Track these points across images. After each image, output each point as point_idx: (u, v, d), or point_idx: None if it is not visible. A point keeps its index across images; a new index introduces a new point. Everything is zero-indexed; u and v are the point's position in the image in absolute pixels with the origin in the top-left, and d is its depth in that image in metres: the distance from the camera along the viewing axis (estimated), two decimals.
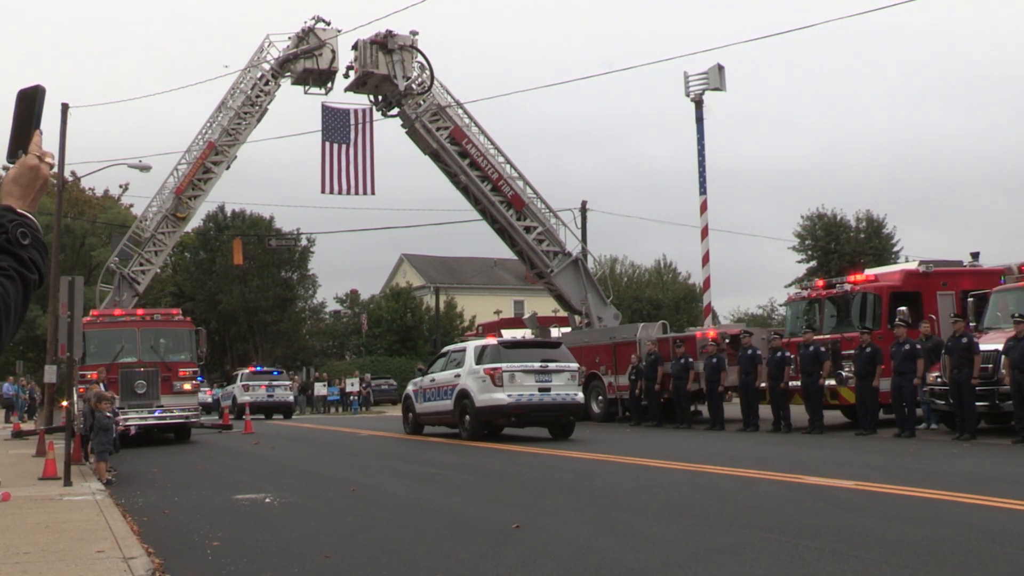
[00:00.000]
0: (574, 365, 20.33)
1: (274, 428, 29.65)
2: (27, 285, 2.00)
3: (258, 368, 39.79)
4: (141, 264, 28.14)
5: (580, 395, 20.17)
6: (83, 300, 15.04)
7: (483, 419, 19.43)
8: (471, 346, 20.70)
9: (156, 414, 21.90)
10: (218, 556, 7.72)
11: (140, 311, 24.26)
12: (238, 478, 14.20)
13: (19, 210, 2.07)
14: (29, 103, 2.18)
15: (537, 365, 19.54)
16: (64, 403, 16.42)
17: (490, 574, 6.68)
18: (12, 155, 2.16)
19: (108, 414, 14.51)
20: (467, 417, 19.69)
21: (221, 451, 20.28)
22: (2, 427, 31.62)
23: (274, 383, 37.52)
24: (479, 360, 19.64)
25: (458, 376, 20.11)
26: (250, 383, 36.87)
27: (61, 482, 12.85)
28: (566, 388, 19.56)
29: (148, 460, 17.54)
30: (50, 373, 20.39)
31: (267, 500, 11.26)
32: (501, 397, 19.03)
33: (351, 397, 44.48)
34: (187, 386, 22.59)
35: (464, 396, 19.71)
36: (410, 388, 22.98)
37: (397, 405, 47.40)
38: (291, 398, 37.77)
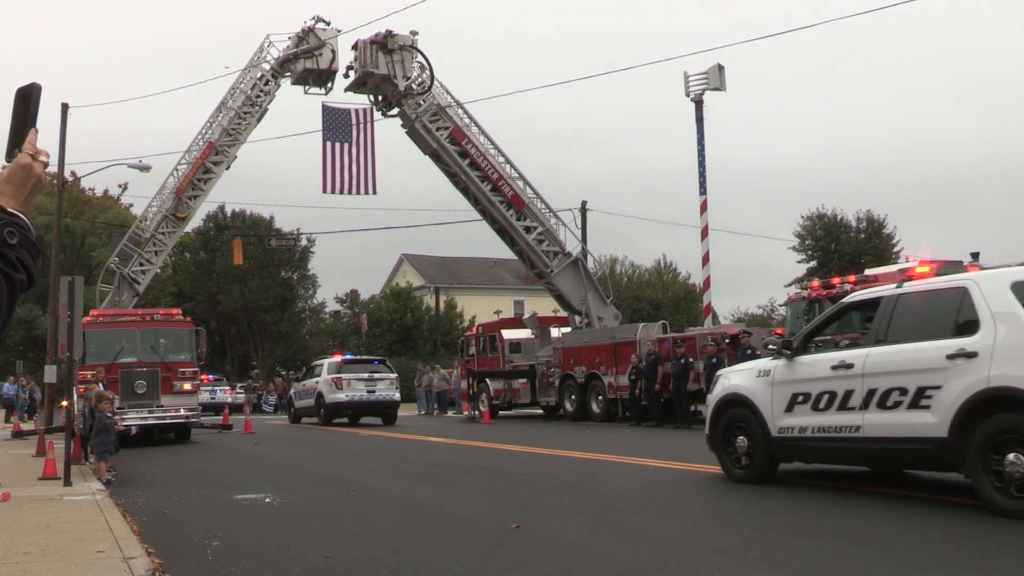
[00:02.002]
0: (393, 375, 29.32)
1: (274, 428, 29.65)
2: (13, 285, 1.98)
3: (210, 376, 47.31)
4: (141, 264, 28.15)
5: (397, 395, 28.95)
6: (83, 300, 15.04)
7: (331, 411, 28.46)
8: (326, 362, 29.88)
9: (156, 414, 21.91)
10: (218, 556, 7.72)
11: (140, 311, 24.27)
12: (238, 478, 14.20)
13: (9, 209, 2.05)
14: (24, 102, 2.17)
15: (366, 375, 28.42)
16: (64, 403, 16.43)
17: (490, 574, 6.68)
18: (9, 154, 2.15)
19: (109, 414, 14.51)
20: (322, 410, 28.67)
21: (221, 451, 20.28)
22: (2, 427, 31.63)
23: (215, 387, 44.76)
24: (329, 372, 28.68)
25: (317, 382, 29.31)
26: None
27: (61, 482, 12.84)
28: (387, 391, 28.40)
29: (148, 460, 17.54)
30: (50, 373, 20.41)
31: (267, 500, 11.26)
32: (341, 396, 28.21)
33: None
34: (187, 386, 22.61)
35: (320, 396, 28.88)
36: (292, 391, 33.49)
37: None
38: (229, 399, 44.17)
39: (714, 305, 35.16)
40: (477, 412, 29.71)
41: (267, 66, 28.83)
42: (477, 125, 29.34)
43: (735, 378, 11.48)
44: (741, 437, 10.90)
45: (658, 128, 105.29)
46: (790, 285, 47.85)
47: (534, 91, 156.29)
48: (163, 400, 22.00)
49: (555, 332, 30.37)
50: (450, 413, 35.98)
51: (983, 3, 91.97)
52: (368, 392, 27.98)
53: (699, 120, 32.13)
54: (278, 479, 13.77)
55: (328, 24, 28.92)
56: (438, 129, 28.59)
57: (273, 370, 59.74)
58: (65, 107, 26.17)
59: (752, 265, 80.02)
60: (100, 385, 18.27)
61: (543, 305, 45.43)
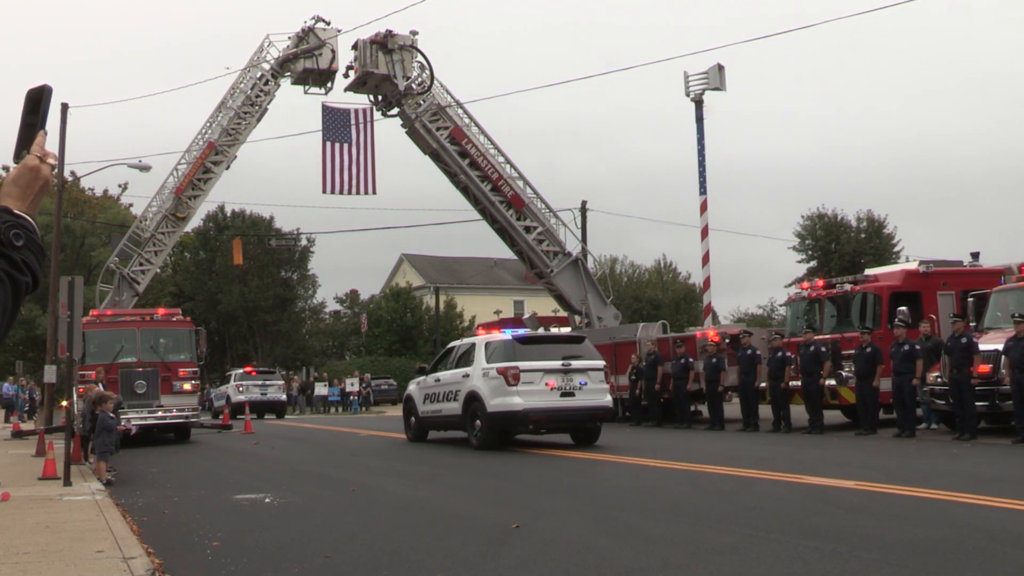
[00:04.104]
0: (280, 382, 40.49)
1: (274, 428, 29.65)
2: (18, 288, 1.97)
3: None
4: (141, 264, 28.13)
5: (283, 396, 39.87)
6: (83, 300, 15.03)
7: (235, 408, 35.16)
8: (234, 373, 40.67)
9: (156, 414, 21.89)
10: (218, 556, 7.72)
11: (139, 311, 24.26)
12: (238, 478, 14.19)
13: (16, 211, 2.04)
14: (34, 103, 2.16)
15: (260, 382, 38.72)
16: (64, 403, 16.42)
17: (490, 574, 6.68)
18: (17, 156, 2.14)
19: (111, 414, 14.50)
20: (229, 407, 35.86)
21: (221, 451, 20.28)
22: (2, 427, 31.62)
23: None
24: (234, 380, 39.12)
25: (227, 387, 39.63)
26: None
27: (61, 482, 12.84)
28: (276, 393, 38.98)
29: (148, 460, 17.54)
30: (50, 373, 20.38)
31: (267, 500, 11.26)
32: (242, 397, 36.85)
33: (351, 397, 44.55)
34: (187, 386, 22.59)
35: (228, 397, 38.12)
36: (212, 394, 43.49)
37: (397, 405, 47.62)
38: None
39: (714, 305, 35.18)
40: None
41: (267, 66, 28.81)
42: (477, 125, 29.34)
43: (411, 386, 20.44)
44: (412, 417, 20.00)
45: (658, 128, 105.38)
46: (790, 285, 47.88)
47: (534, 91, 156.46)
48: (163, 400, 21.98)
49: (555, 332, 30.34)
50: None
51: (983, 3, 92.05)
52: (262, 394, 37.83)
53: (699, 120, 32.13)
54: (278, 479, 13.76)
55: (328, 24, 28.90)
56: (438, 129, 28.58)
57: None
58: (65, 107, 26.13)
59: (752, 265, 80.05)
60: (100, 385, 18.26)
61: (543, 305, 45.46)
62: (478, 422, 16.99)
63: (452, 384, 18.07)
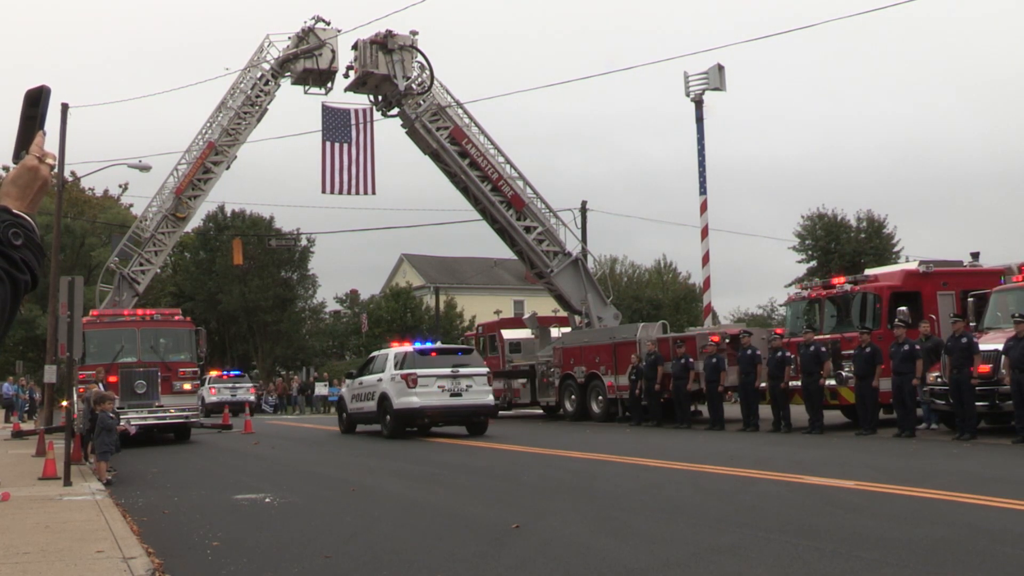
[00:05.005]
0: (249, 384, 43.94)
1: (274, 428, 29.66)
2: (17, 286, 1.97)
3: None
4: (141, 264, 28.10)
5: (252, 397, 42.86)
6: (83, 300, 15.03)
7: (209, 408, 37.55)
8: (210, 375, 42.42)
9: (156, 414, 21.88)
10: (218, 556, 7.72)
11: (139, 311, 24.26)
12: (238, 478, 14.20)
13: (15, 211, 2.05)
14: (33, 104, 2.17)
15: (231, 384, 42.34)
16: (64, 403, 16.42)
17: (490, 574, 6.68)
18: (16, 156, 2.15)
19: (111, 414, 14.50)
20: (204, 407, 38.22)
21: (221, 451, 20.28)
22: (2, 427, 31.62)
23: None
24: (209, 384, 40.65)
25: (202, 389, 38.95)
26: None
27: (61, 482, 12.84)
28: (244, 395, 41.80)
29: (148, 460, 17.54)
30: (50, 373, 20.37)
31: (267, 500, 11.26)
32: (216, 399, 39.90)
33: None
34: (187, 386, 22.60)
35: (203, 399, 37.16)
36: None
37: None
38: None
39: (714, 305, 35.15)
40: None
41: (267, 66, 28.77)
42: (477, 125, 29.32)
43: (342, 388, 25.43)
44: (343, 414, 23.82)
45: (658, 128, 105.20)
46: (790, 285, 47.81)
47: (534, 91, 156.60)
48: (163, 400, 21.98)
49: (555, 332, 30.33)
50: None
51: (983, 4, 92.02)
52: (232, 396, 41.28)
53: (699, 120, 32.12)
54: (278, 479, 13.77)
55: (328, 24, 28.86)
56: (438, 129, 28.56)
57: (273, 370, 59.69)
58: (65, 107, 26.13)
59: (752, 265, 79.99)
60: (99, 385, 18.26)
61: (543, 305, 45.39)
62: (388, 417, 20.93)
63: (370, 387, 21.89)
